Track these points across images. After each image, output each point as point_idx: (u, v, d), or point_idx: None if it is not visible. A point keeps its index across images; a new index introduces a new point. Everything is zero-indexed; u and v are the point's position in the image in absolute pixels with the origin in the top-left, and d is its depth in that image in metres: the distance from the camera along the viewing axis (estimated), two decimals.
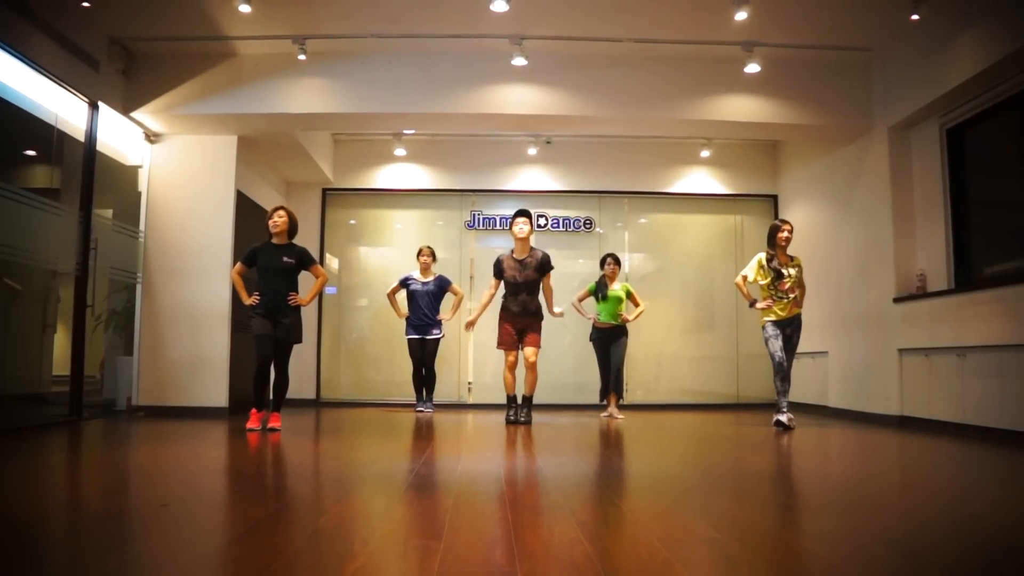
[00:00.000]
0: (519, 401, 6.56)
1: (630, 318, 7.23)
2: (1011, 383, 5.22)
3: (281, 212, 5.70)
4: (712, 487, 3.50)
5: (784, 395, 6.15)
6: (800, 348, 7.89)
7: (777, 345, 6.07)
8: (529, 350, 6.35)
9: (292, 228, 5.78)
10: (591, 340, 7.42)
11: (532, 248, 6.41)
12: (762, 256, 6.26)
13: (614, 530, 2.55)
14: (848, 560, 2.14)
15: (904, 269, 6.70)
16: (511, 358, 6.41)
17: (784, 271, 6.13)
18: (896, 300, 6.65)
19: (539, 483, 3.44)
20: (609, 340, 7.25)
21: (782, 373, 6.09)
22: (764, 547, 2.33)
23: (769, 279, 6.16)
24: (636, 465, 4.28)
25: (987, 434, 5.39)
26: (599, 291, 7.22)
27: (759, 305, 6.18)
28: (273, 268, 5.62)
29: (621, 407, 7.46)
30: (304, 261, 5.75)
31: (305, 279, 5.84)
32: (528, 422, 6.46)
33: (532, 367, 6.38)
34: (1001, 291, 5.45)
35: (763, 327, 6.20)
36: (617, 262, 7.31)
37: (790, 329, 6.15)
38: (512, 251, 6.42)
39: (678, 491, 3.36)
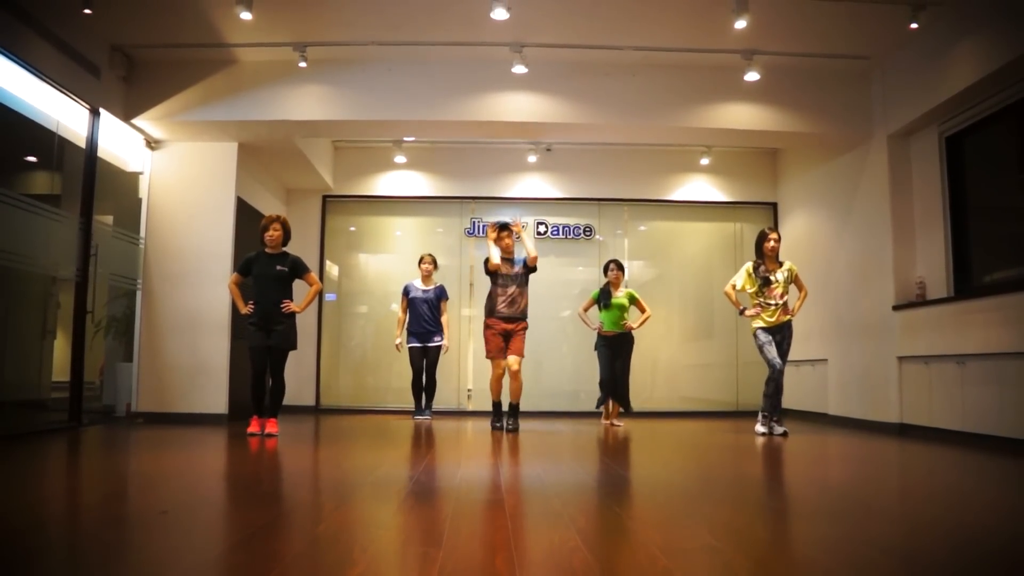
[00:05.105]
0: (505, 408, 6.53)
1: (634, 326, 7.21)
2: (1010, 391, 5.22)
3: (277, 226, 5.75)
4: (711, 495, 3.50)
5: (770, 399, 6.15)
6: (800, 356, 7.92)
7: (772, 351, 6.09)
8: (512, 359, 6.26)
9: (286, 237, 5.84)
10: (596, 349, 7.38)
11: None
12: (749, 265, 6.33)
13: (614, 538, 2.55)
14: (846, 566, 2.14)
15: (903, 277, 6.70)
16: (499, 370, 6.39)
17: (771, 277, 6.17)
18: (895, 308, 6.65)
19: (538, 490, 3.44)
20: (614, 348, 7.20)
21: (777, 381, 6.09)
22: (763, 555, 2.33)
23: (756, 286, 6.21)
24: (635, 472, 4.28)
25: (987, 442, 5.38)
26: (602, 299, 7.20)
27: (748, 312, 6.25)
28: (267, 276, 5.67)
29: (622, 415, 7.45)
30: (297, 269, 5.79)
31: (300, 287, 5.86)
32: (515, 430, 6.37)
33: (516, 375, 6.30)
34: (1001, 299, 5.45)
35: (755, 335, 6.23)
36: (620, 268, 7.27)
37: (780, 336, 6.16)
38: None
39: (677, 499, 3.35)
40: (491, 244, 6.46)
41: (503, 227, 6.49)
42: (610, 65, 6.93)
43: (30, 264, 5.90)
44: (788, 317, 6.18)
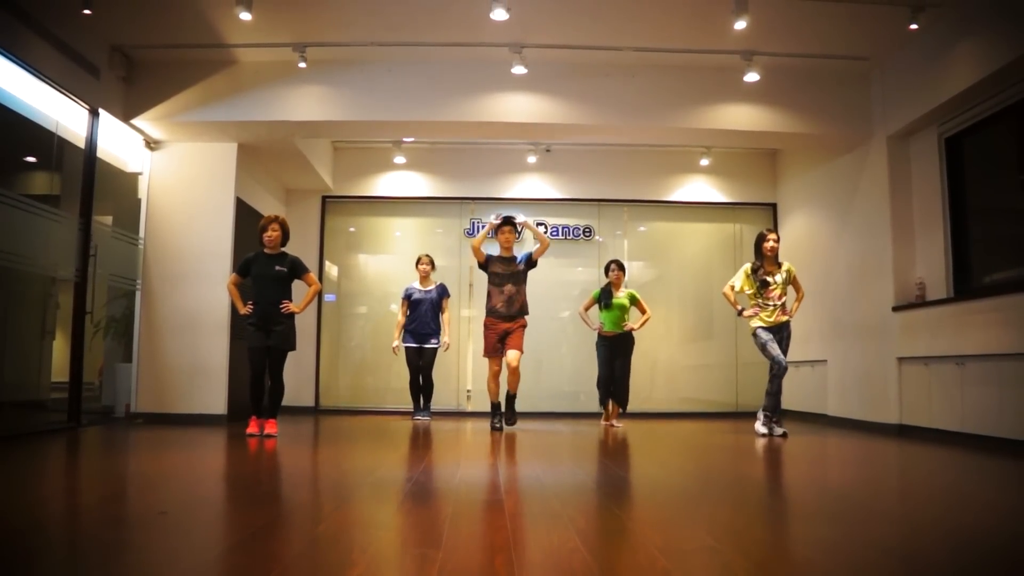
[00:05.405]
0: (503, 408, 6.63)
1: (635, 327, 7.21)
2: (1010, 392, 5.22)
3: (275, 226, 5.76)
4: (711, 496, 3.50)
5: (773, 397, 6.13)
6: (799, 356, 7.92)
7: (775, 348, 6.08)
8: (512, 354, 6.31)
9: (284, 237, 5.84)
10: (596, 348, 7.37)
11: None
12: (748, 266, 6.33)
13: (613, 539, 2.55)
14: (846, 568, 2.14)
15: (903, 277, 6.70)
16: (496, 367, 6.48)
17: (770, 279, 6.18)
18: (895, 309, 6.65)
19: (538, 491, 3.44)
20: (615, 349, 7.19)
21: (780, 378, 6.08)
22: (762, 556, 2.33)
23: (755, 288, 6.22)
24: (635, 473, 4.28)
25: (986, 443, 5.38)
26: (603, 299, 7.20)
27: (747, 312, 6.25)
28: (266, 277, 5.67)
29: (621, 416, 7.44)
30: (296, 270, 5.80)
31: (300, 288, 5.86)
32: (512, 423, 6.61)
33: (514, 371, 6.37)
34: (1000, 300, 5.45)
35: (755, 334, 6.22)
36: (621, 268, 7.27)
37: (779, 335, 6.16)
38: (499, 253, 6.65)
39: (677, 500, 3.35)
40: (486, 232, 6.60)
41: (507, 221, 6.54)
42: (610, 66, 6.94)
43: (29, 264, 5.90)
44: (786, 318, 6.20)
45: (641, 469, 4.53)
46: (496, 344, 6.40)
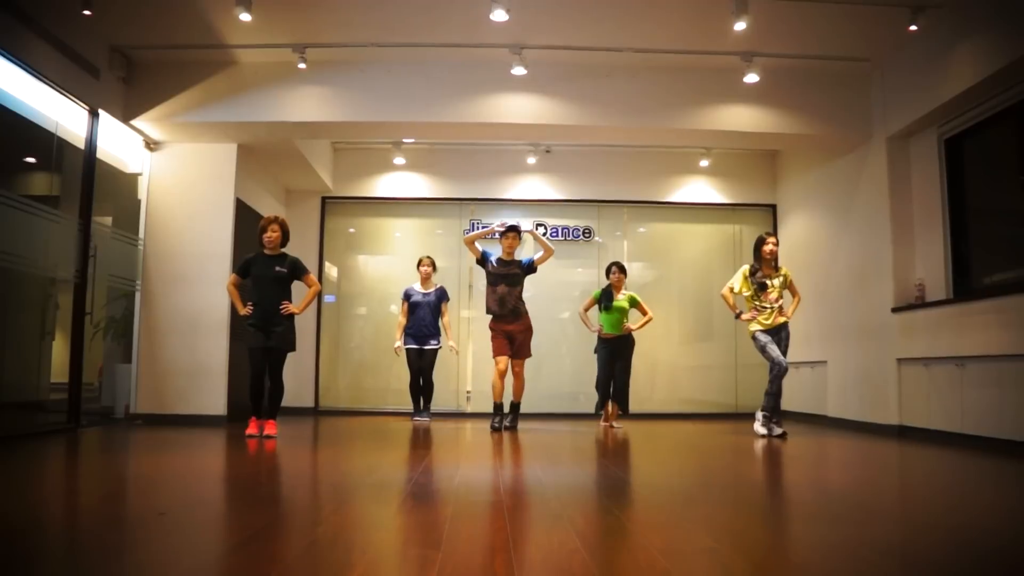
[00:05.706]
0: (505, 410, 6.72)
1: (634, 328, 7.21)
2: (1010, 393, 5.22)
3: (275, 227, 5.77)
4: (711, 497, 3.50)
5: (773, 397, 6.14)
6: (799, 357, 7.92)
7: (775, 350, 6.10)
8: (516, 361, 6.59)
9: (284, 238, 5.84)
10: (595, 352, 7.37)
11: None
12: (746, 268, 6.35)
13: (613, 540, 2.55)
14: (846, 569, 2.14)
15: (903, 279, 6.70)
16: (502, 366, 6.52)
17: (768, 282, 6.20)
18: (895, 310, 6.65)
19: (538, 492, 3.44)
20: (615, 351, 7.19)
21: (781, 379, 6.09)
22: (762, 557, 2.33)
23: (753, 290, 6.24)
24: (635, 475, 4.28)
25: (985, 444, 5.38)
26: (603, 300, 7.20)
27: (744, 316, 6.28)
28: (266, 278, 5.68)
29: (620, 417, 7.44)
30: (296, 271, 5.80)
31: (299, 288, 5.86)
32: (513, 427, 6.72)
33: (518, 375, 6.65)
34: (1000, 301, 5.45)
35: (753, 336, 6.24)
36: (622, 270, 7.28)
37: (777, 337, 6.19)
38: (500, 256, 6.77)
39: (677, 501, 3.35)
40: (485, 232, 6.80)
41: (512, 228, 6.66)
42: (610, 67, 6.93)
43: (29, 265, 5.89)
44: (784, 319, 6.21)
45: (641, 470, 4.53)
46: (505, 346, 6.51)
